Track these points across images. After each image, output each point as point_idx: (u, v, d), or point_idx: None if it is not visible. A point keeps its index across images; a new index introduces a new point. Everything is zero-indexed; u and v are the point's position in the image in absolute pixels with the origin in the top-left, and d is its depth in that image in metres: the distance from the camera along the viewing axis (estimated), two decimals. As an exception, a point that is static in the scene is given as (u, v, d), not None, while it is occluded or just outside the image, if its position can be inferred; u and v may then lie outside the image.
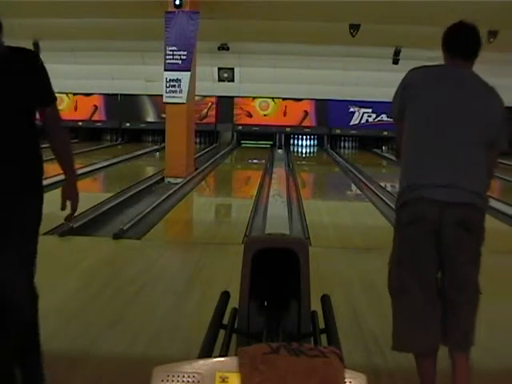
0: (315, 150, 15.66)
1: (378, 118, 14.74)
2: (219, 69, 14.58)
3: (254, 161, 13.71)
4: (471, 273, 2.21)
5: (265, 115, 15.29)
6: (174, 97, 8.80)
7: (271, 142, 15.58)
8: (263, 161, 12.78)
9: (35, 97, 2.27)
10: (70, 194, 2.48)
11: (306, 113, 15.24)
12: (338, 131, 15.26)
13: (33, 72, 2.27)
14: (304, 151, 15.61)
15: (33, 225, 2.45)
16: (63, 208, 2.51)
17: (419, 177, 2.18)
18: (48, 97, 2.34)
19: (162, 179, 9.02)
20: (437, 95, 2.25)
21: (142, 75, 14.16)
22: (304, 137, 15.86)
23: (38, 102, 2.32)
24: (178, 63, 8.73)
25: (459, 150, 2.17)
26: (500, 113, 2.25)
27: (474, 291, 2.23)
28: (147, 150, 14.11)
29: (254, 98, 15.19)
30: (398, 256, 2.31)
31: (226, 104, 15.15)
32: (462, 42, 2.41)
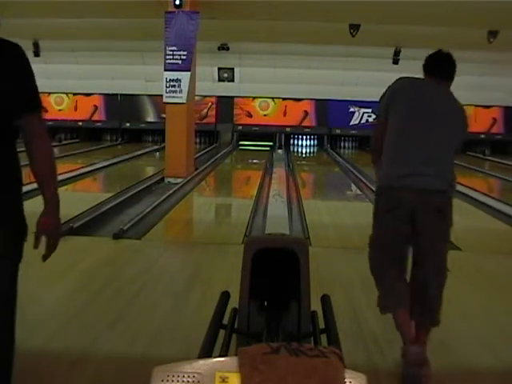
0: (315, 149, 15.65)
1: (378, 118, 14.72)
2: (219, 69, 14.58)
3: (254, 161, 13.72)
4: (443, 250, 2.60)
5: (265, 115, 15.29)
6: (174, 97, 8.80)
7: (271, 143, 15.58)
8: (263, 161, 12.78)
9: (13, 101, 1.82)
10: (49, 226, 1.92)
11: (306, 113, 15.24)
12: (338, 131, 15.25)
13: (13, 70, 1.84)
14: (304, 151, 15.61)
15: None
16: (36, 246, 1.91)
17: (402, 168, 2.57)
18: (30, 102, 1.89)
19: (162, 179, 9.02)
20: (419, 101, 2.68)
21: (142, 75, 14.16)
22: (304, 137, 15.86)
23: (16, 107, 1.84)
24: (178, 63, 8.73)
25: (435, 148, 2.61)
26: (464, 121, 2.89)
27: (445, 268, 2.60)
28: (147, 150, 14.11)
29: (254, 97, 15.18)
30: (377, 237, 2.70)
31: (225, 104, 15.15)
32: (439, 65, 2.82)
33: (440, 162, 2.61)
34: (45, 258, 1.94)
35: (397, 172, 2.59)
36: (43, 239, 1.91)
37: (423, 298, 2.58)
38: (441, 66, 2.81)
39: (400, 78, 2.81)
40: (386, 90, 2.79)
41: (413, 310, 2.59)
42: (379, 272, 2.71)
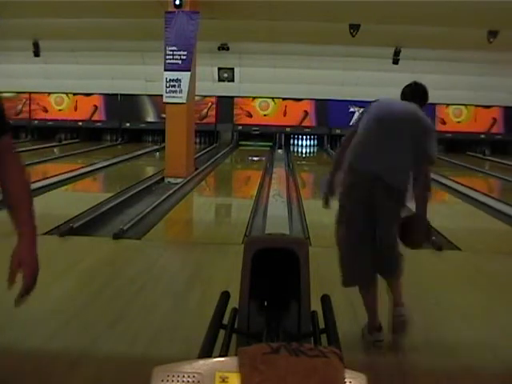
0: (315, 149, 15.66)
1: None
2: (219, 69, 14.58)
3: (254, 158, 13.71)
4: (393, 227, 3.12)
5: (265, 115, 15.29)
6: (174, 97, 8.80)
7: (271, 144, 15.58)
8: (263, 158, 12.78)
9: None
10: (26, 259, 1.73)
11: (306, 113, 15.24)
12: (337, 131, 15.23)
13: None
14: (304, 151, 15.61)
15: None
16: (11, 283, 1.70)
17: (365, 164, 3.07)
18: (2, 124, 1.72)
19: (162, 179, 9.02)
20: (385, 118, 3.14)
21: (142, 75, 14.16)
22: (304, 137, 15.86)
23: None
24: (178, 63, 8.73)
25: (393, 153, 3.07)
26: (424, 134, 3.10)
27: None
28: (147, 149, 14.11)
29: (254, 98, 15.18)
30: (342, 217, 3.16)
31: (226, 104, 15.15)
32: (413, 92, 3.27)
33: (395, 163, 3.08)
34: (22, 297, 1.73)
35: (361, 167, 3.11)
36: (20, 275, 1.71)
37: (380, 251, 3.08)
38: (415, 93, 3.28)
39: (376, 101, 3.28)
40: (363, 112, 3.35)
41: (377, 269, 3.12)
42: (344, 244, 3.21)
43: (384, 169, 3.04)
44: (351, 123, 3.94)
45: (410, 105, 3.18)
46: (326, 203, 3.41)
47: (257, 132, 15.38)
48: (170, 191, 7.83)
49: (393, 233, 3.15)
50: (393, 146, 3.09)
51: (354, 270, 3.12)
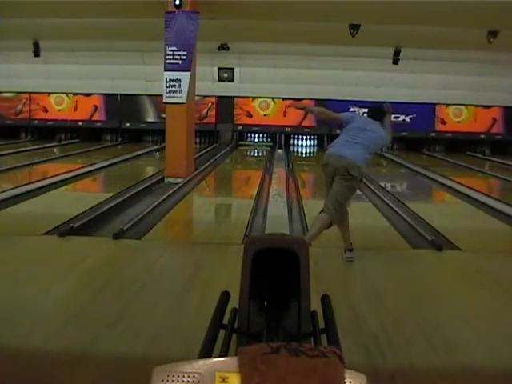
0: (315, 150, 15.66)
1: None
2: (219, 69, 14.58)
3: (255, 154, 13.70)
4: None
5: (265, 115, 15.29)
6: (174, 97, 8.80)
7: (271, 144, 15.58)
8: (264, 157, 12.78)
9: None
10: None
11: (306, 113, 15.23)
12: (338, 131, 15.19)
13: None
14: (304, 151, 15.61)
15: None
16: None
17: (336, 149, 4.64)
18: None
19: (162, 179, 9.02)
20: (366, 124, 4.72)
21: (142, 75, 14.16)
22: (304, 137, 15.86)
23: None
24: (178, 63, 8.73)
25: (355, 144, 4.56)
26: (382, 137, 4.78)
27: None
28: (147, 149, 14.10)
29: (254, 98, 15.18)
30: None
31: (225, 104, 15.14)
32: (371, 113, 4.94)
33: (353, 150, 4.52)
34: None
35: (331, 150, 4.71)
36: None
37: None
38: (372, 114, 4.91)
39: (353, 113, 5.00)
40: (348, 115, 5.11)
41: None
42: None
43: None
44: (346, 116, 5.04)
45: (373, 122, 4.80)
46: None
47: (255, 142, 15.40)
48: (170, 191, 7.83)
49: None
50: (358, 142, 4.63)
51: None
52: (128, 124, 15.43)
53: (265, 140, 16.00)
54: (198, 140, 14.35)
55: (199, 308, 3.38)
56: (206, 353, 1.76)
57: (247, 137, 16.05)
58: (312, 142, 15.86)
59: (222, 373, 1.28)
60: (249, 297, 2.18)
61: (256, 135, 15.99)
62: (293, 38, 12.08)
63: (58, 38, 12.96)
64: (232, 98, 15.06)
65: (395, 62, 13.40)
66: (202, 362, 1.32)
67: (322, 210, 4.53)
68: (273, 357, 1.31)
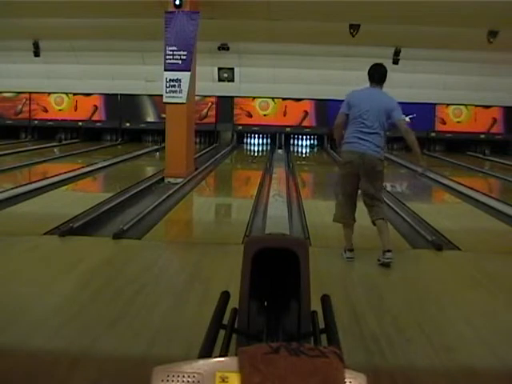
0: (315, 150, 15.66)
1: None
2: (219, 69, 14.57)
3: (254, 160, 13.71)
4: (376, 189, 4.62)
5: (265, 115, 15.29)
6: (174, 97, 8.80)
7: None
8: (264, 156, 12.78)
9: None
10: None
11: (306, 113, 15.24)
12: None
13: None
14: (304, 151, 15.61)
15: None
16: None
17: (354, 141, 4.50)
18: None
19: (162, 179, 9.02)
20: (364, 103, 4.49)
21: (142, 75, 14.16)
22: (304, 137, 15.86)
23: None
24: (177, 63, 8.72)
25: (374, 129, 4.46)
26: (390, 104, 4.52)
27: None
28: (147, 150, 14.10)
29: (254, 98, 15.18)
30: (338, 179, 4.75)
31: (225, 104, 15.14)
32: (371, 74, 4.61)
33: (373, 140, 4.47)
34: None
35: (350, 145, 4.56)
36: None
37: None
38: (377, 75, 4.59)
39: (352, 91, 4.66)
40: (346, 99, 4.64)
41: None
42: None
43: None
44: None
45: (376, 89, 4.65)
46: None
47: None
48: (170, 191, 7.83)
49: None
50: (373, 127, 4.56)
51: (343, 214, 4.69)
52: (128, 124, 15.43)
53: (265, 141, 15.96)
54: (198, 140, 14.34)
55: (199, 308, 3.38)
56: (206, 353, 1.76)
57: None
58: (312, 142, 15.87)
59: (222, 373, 1.28)
60: (249, 297, 2.18)
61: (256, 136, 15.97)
62: (293, 38, 12.09)
63: (58, 37, 12.96)
64: (232, 97, 15.06)
65: (395, 62, 13.39)
66: (201, 361, 1.32)
67: (380, 218, 4.54)
68: (273, 357, 1.31)
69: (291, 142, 15.76)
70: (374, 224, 4.57)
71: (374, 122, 4.44)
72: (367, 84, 4.64)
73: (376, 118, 4.45)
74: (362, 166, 4.46)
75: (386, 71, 4.60)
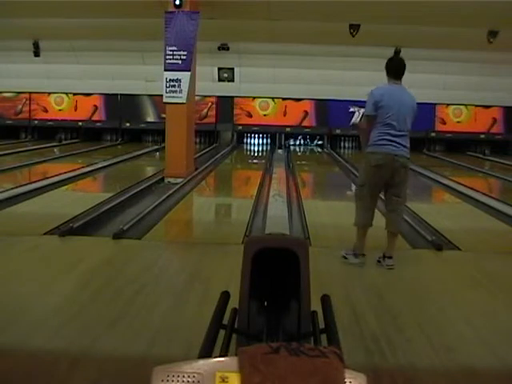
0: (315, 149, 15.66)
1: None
2: (219, 69, 14.57)
3: (254, 160, 13.72)
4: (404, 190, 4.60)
5: (265, 115, 15.29)
6: (174, 97, 8.80)
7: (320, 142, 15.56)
8: (263, 161, 12.78)
9: None
10: None
11: (306, 113, 15.24)
12: (337, 131, 15.24)
13: None
14: (304, 151, 15.60)
15: None
16: None
17: (385, 143, 4.39)
18: None
19: (162, 179, 9.02)
20: (393, 103, 4.39)
21: (142, 75, 14.16)
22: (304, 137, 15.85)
23: None
24: (177, 63, 8.72)
25: (403, 131, 4.44)
26: (415, 105, 4.53)
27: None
28: (147, 150, 14.10)
29: (254, 98, 15.18)
30: (365, 181, 4.54)
31: (225, 104, 15.14)
32: (397, 69, 4.61)
33: (404, 141, 4.47)
34: None
35: (381, 146, 4.43)
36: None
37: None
38: (398, 69, 4.61)
39: (377, 88, 4.56)
40: (371, 98, 4.47)
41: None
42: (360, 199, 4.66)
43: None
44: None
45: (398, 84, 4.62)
46: None
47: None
48: (170, 191, 7.83)
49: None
50: (403, 126, 4.52)
51: (364, 217, 4.63)
52: (128, 124, 15.43)
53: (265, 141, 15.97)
54: (198, 140, 14.34)
55: (199, 308, 3.38)
56: (206, 353, 1.76)
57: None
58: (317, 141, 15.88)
59: (222, 373, 1.28)
60: (249, 297, 2.18)
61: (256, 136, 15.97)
62: (293, 38, 12.09)
63: (58, 37, 12.96)
64: (232, 97, 15.06)
65: (395, 62, 13.38)
66: (201, 361, 1.32)
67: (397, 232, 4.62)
68: (273, 357, 1.31)
69: (291, 141, 15.75)
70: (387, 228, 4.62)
71: (403, 122, 4.39)
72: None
73: (404, 118, 4.39)
74: (394, 167, 4.37)
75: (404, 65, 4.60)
